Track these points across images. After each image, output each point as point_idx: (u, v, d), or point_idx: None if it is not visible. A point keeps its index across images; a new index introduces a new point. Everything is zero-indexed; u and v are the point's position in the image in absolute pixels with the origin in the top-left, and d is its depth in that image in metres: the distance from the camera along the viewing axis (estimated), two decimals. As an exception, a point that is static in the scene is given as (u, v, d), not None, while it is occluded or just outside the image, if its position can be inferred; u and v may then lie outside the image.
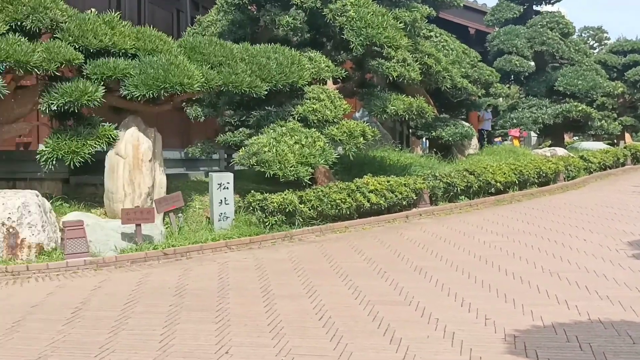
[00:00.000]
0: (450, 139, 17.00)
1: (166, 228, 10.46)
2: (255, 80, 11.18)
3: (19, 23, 9.74)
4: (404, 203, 12.56)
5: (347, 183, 11.97)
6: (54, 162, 9.71)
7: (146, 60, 10.35)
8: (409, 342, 5.61)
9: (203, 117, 14.13)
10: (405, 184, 12.62)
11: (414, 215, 12.73)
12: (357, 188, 11.82)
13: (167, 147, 15.44)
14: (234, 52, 11.42)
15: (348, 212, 11.58)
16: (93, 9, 10.91)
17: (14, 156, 11.56)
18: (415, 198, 12.84)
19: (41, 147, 9.86)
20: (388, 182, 12.38)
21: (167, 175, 12.78)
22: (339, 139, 12.08)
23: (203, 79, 10.49)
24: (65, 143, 9.76)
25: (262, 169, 10.88)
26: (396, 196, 12.31)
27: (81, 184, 11.32)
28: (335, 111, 12.28)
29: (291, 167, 10.90)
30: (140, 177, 10.22)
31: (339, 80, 14.33)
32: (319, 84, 13.01)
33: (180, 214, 10.86)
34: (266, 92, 11.35)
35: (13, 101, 10.22)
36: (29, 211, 9.00)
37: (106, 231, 9.61)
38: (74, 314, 6.68)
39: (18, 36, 9.62)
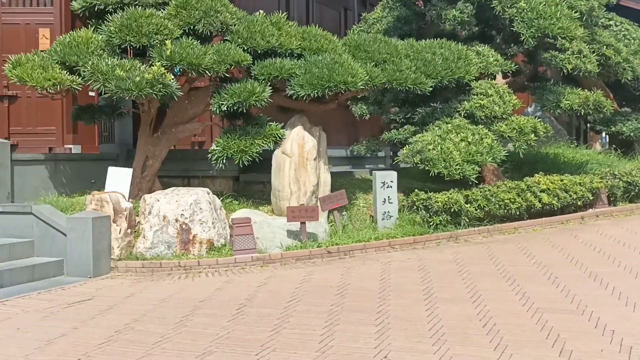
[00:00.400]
0: (632, 134, 15.84)
1: (330, 226, 10.52)
2: (420, 76, 10.97)
3: (191, 27, 10.13)
4: (578, 203, 11.85)
5: (516, 182, 11.47)
6: (224, 160, 10.02)
7: (311, 59, 10.44)
8: (580, 355, 5.21)
9: (368, 115, 14.14)
10: (580, 183, 11.90)
11: (589, 217, 11.97)
12: (527, 187, 11.30)
13: (332, 145, 15.62)
14: (398, 48, 11.27)
15: (517, 213, 11.09)
16: (261, 11, 11.15)
17: (189, 155, 12.09)
18: (591, 198, 12.07)
19: (213, 146, 10.21)
20: (562, 180, 11.72)
21: (333, 173, 12.89)
22: (508, 136, 11.61)
23: (367, 77, 10.43)
24: (235, 142, 10.05)
25: (427, 168, 10.66)
26: (570, 196, 11.63)
27: (250, 182, 11.64)
28: (504, 107, 11.80)
29: (457, 165, 10.59)
30: (305, 175, 10.33)
31: (508, 74, 13.79)
32: (487, 79, 12.56)
33: (344, 212, 10.87)
34: (431, 89, 11.11)
35: (187, 102, 10.67)
36: (200, 208, 9.35)
37: (273, 228, 9.80)
38: (239, 311, 6.83)
39: (191, 40, 10.02)
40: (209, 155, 10.13)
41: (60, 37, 10.20)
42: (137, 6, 10.17)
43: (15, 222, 9.31)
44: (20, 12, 12.22)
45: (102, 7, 10.23)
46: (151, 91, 9.29)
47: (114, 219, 9.23)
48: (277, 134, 10.35)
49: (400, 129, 12.95)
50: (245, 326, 6.28)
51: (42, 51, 10.14)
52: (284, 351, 5.52)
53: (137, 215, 9.55)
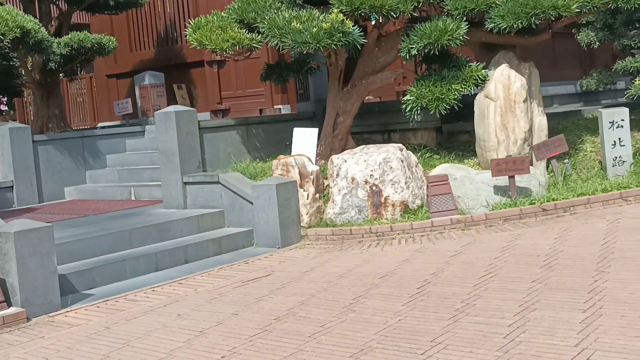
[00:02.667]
0: None
1: (551, 177, 9.05)
2: (654, -11, 8.96)
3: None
4: None
5: None
6: (418, 111, 8.95)
7: (514, -16, 8.92)
8: None
9: (597, 43, 12.17)
10: None
11: None
12: None
13: (556, 80, 13.83)
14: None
15: None
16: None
17: (387, 107, 11.14)
18: None
19: (407, 96, 9.15)
20: None
21: (556, 114, 11.30)
22: None
23: (584, -2, 8.71)
24: (429, 90, 8.91)
25: (667, 100, 8.75)
26: None
27: (454, 132, 10.42)
28: None
29: None
30: (514, 120, 8.92)
31: None
32: None
33: (566, 160, 9.31)
34: (669, 2, 9.05)
35: (377, 50, 9.68)
36: (391, 167, 8.40)
37: (476, 184, 8.58)
38: (420, 290, 5.82)
39: (374, -21, 8.98)
40: (403, 106, 9.10)
41: (241, -8, 9.66)
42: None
43: (204, 192, 9.02)
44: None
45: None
46: (330, 41, 8.43)
47: (301, 183, 8.58)
48: (478, 75, 9.04)
49: (637, 56, 10.97)
50: (421, 311, 5.26)
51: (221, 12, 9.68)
52: (457, 349, 4.44)
53: (327, 178, 8.82)
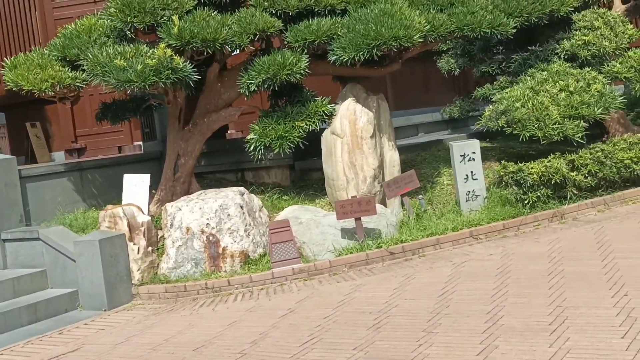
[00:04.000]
0: None
1: (406, 215, 8.59)
2: (499, 17, 8.68)
3: (207, -5, 8.44)
4: None
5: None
6: (262, 150, 8.32)
7: (356, 14, 8.46)
8: None
9: (458, 70, 11.90)
10: None
11: None
12: (656, 140, 8.77)
13: (425, 106, 13.54)
14: (469, -15, 9.01)
15: (644, 175, 8.64)
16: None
17: (239, 144, 10.42)
18: None
19: (251, 134, 8.51)
20: None
21: (420, 145, 10.89)
22: (624, 77, 9.09)
23: (427, 27, 8.32)
24: (272, 127, 8.31)
25: (515, 131, 8.42)
26: None
27: (307, 170, 9.85)
28: (616, 40, 9.25)
29: (554, 124, 8.28)
30: (362, 157, 8.41)
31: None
32: (597, 7, 9.98)
33: (420, 196, 8.87)
34: (514, 30, 8.78)
35: (219, 85, 9.01)
36: (228, 214, 7.72)
37: (323, 228, 7.99)
38: (231, 364, 5.13)
39: (207, 10, 8.33)
40: (245, 145, 8.47)
41: (65, 27, 8.82)
42: (143, -21, 8.58)
43: (25, 249, 8.10)
44: (72, 5, 11.26)
45: (104, -14, 8.72)
46: (157, 79, 7.70)
47: (131, 236, 7.78)
48: (323, 110, 8.50)
49: (495, 83, 10.74)
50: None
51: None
52: None
53: (161, 229, 8.06)
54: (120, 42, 8.35)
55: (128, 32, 8.36)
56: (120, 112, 9.43)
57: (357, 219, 7.87)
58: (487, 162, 9.75)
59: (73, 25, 8.70)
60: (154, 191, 8.74)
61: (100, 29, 8.53)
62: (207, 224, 7.68)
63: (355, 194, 8.35)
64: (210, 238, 7.66)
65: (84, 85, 8.37)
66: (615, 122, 9.87)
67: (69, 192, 9.19)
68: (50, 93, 8.26)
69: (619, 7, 11.19)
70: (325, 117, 8.52)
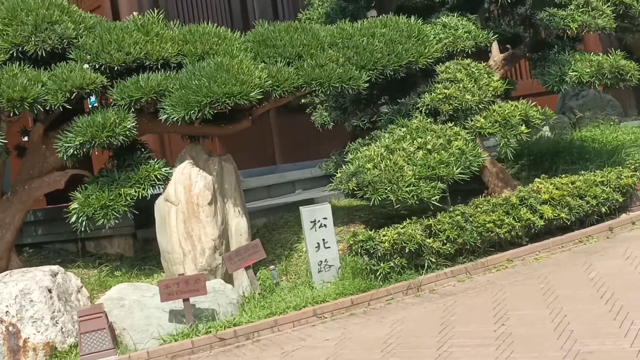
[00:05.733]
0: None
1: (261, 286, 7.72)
2: (350, 70, 7.99)
3: (21, 48, 7.49)
4: (602, 210, 8.59)
5: (506, 196, 8.33)
6: (84, 222, 7.34)
7: (192, 68, 7.65)
8: None
9: (331, 124, 11.18)
10: (602, 182, 8.68)
11: (622, 226, 8.71)
12: (521, 200, 8.14)
13: (303, 160, 12.77)
14: (319, 36, 8.33)
15: (509, 238, 7.97)
16: (134, 13, 8.42)
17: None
18: (620, 201, 8.78)
19: (73, 204, 7.52)
20: (572, 183, 8.53)
21: (286, 205, 10.01)
22: (488, 133, 8.47)
23: (269, 82, 7.55)
24: (95, 196, 7.35)
25: (366, 195, 7.67)
26: (587, 203, 8.42)
27: (150, 239, 8.88)
28: (479, 93, 8.67)
29: (408, 186, 7.57)
30: (199, 227, 7.51)
31: (508, 47, 10.67)
32: (461, 57, 9.39)
33: (272, 267, 8.02)
34: (367, 84, 8.11)
35: (44, 148, 8.03)
36: (31, 300, 6.68)
37: (148, 311, 7.00)
38: None
39: (21, 66, 7.39)
40: (64, 217, 7.48)
41: None
42: (-52, 31, 7.58)
43: None
44: None
45: None
46: (-51, 146, 6.68)
47: None
48: (155, 175, 7.59)
49: (366, 137, 10.04)
50: None
51: None
52: None
53: (-41, 317, 6.94)
54: None
55: None
56: None
57: (185, 300, 6.93)
58: (351, 224, 9.01)
59: None
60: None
61: None
62: (7, 311, 6.62)
63: (194, 268, 7.44)
64: (10, 328, 6.60)
65: None
66: (494, 176, 9.28)
67: None
68: None
69: (497, 56, 10.68)
70: (158, 182, 7.62)
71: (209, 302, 7.15)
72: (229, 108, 7.38)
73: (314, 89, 7.95)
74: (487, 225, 7.76)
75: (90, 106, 8.15)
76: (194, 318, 6.91)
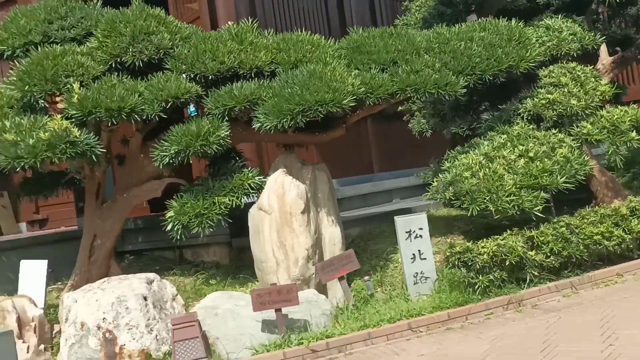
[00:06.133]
0: None
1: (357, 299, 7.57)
2: (446, 75, 7.73)
3: (119, 59, 7.63)
4: None
5: (615, 206, 7.86)
6: (179, 230, 7.39)
7: (286, 76, 7.59)
8: None
9: (430, 131, 10.93)
10: None
11: None
12: (632, 211, 7.67)
13: (401, 169, 12.55)
14: (415, 42, 8.10)
15: (618, 251, 7.49)
16: (229, 23, 8.45)
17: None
18: None
19: (170, 212, 7.59)
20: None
21: (384, 214, 9.80)
22: (595, 139, 8.01)
23: (363, 89, 7.40)
24: (190, 204, 7.39)
25: (464, 205, 7.38)
26: None
27: (244, 248, 8.85)
28: (586, 98, 8.21)
29: (508, 195, 7.23)
30: (292, 236, 7.42)
31: (617, 49, 10.14)
32: (566, 61, 8.95)
33: (367, 278, 7.83)
34: (464, 90, 7.83)
35: (142, 156, 8.15)
36: (127, 308, 6.75)
37: (240, 321, 6.94)
38: None
39: (119, 76, 7.53)
40: (162, 225, 7.56)
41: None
42: (52, 44, 7.82)
43: None
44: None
45: (10, 52, 7.96)
46: (52, 155, 6.85)
47: (20, 333, 6.85)
48: (249, 184, 7.57)
49: (465, 145, 9.74)
50: None
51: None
52: None
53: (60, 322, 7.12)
54: (26, 113, 7.54)
55: (41, 102, 7.56)
56: (35, 189, 8.60)
57: (277, 310, 6.84)
58: (449, 235, 8.73)
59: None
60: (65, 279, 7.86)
61: (5, 99, 7.75)
62: (104, 318, 6.72)
63: (287, 277, 7.37)
64: (107, 335, 6.68)
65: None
66: (603, 186, 8.80)
67: (-23, 277, 8.33)
68: (-56, 170, 7.45)
69: (605, 59, 10.15)
70: (251, 190, 7.59)
71: (301, 313, 7.03)
72: (322, 116, 7.27)
73: (408, 95, 7.74)
74: (595, 237, 7.32)
75: (189, 115, 8.26)
76: (286, 328, 6.81)
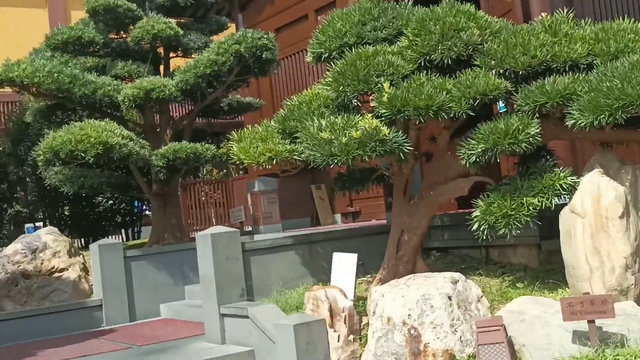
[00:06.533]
0: None
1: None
2: None
3: (427, 57, 7.66)
4: None
5: None
6: (485, 230, 7.23)
7: (602, 69, 7.03)
8: None
9: None
10: None
11: None
12: None
13: None
14: None
15: None
16: (543, 14, 8.04)
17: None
18: None
19: (476, 212, 7.45)
20: None
21: None
22: None
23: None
24: (497, 204, 7.19)
25: None
26: None
27: (555, 251, 8.36)
28: None
29: None
30: (608, 242, 6.85)
31: None
32: None
33: (697, 292, 6.97)
34: None
35: (449, 154, 8.11)
36: (431, 306, 6.75)
37: (549, 329, 6.57)
38: None
39: (428, 74, 7.57)
40: (468, 223, 7.45)
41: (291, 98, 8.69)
42: (365, 45, 8.09)
43: (239, 326, 7.95)
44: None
45: (327, 54, 8.38)
46: (362, 152, 7.10)
47: (331, 322, 7.21)
48: (560, 184, 7.14)
49: None
50: None
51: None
52: None
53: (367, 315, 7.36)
54: (340, 112, 7.92)
55: (354, 101, 7.90)
56: (347, 184, 8.99)
57: (590, 322, 6.35)
58: None
59: (298, 97, 8.53)
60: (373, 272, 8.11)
61: (322, 99, 8.21)
62: (409, 315, 6.79)
63: (602, 287, 6.83)
64: (412, 332, 6.75)
65: (301, 159, 8.07)
66: None
67: (296, 266, 8.93)
68: (267, 167, 8.11)
69: None
70: (563, 191, 7.15)
71: (617, 326, 6.45)
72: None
73: None
74: None
75: (498, 112, 8.03)
76: (599, 342, 6.30)
